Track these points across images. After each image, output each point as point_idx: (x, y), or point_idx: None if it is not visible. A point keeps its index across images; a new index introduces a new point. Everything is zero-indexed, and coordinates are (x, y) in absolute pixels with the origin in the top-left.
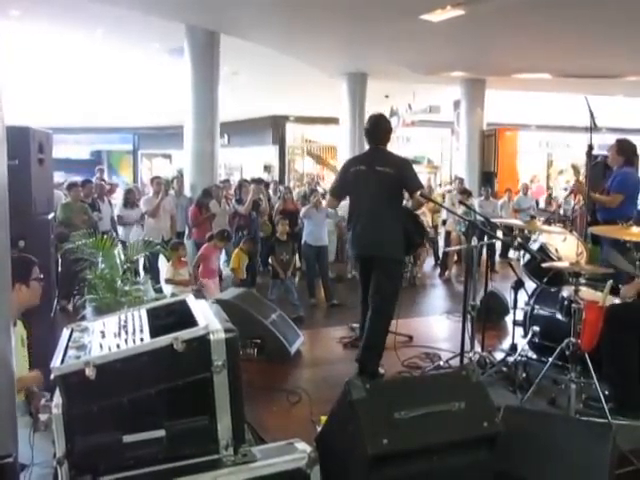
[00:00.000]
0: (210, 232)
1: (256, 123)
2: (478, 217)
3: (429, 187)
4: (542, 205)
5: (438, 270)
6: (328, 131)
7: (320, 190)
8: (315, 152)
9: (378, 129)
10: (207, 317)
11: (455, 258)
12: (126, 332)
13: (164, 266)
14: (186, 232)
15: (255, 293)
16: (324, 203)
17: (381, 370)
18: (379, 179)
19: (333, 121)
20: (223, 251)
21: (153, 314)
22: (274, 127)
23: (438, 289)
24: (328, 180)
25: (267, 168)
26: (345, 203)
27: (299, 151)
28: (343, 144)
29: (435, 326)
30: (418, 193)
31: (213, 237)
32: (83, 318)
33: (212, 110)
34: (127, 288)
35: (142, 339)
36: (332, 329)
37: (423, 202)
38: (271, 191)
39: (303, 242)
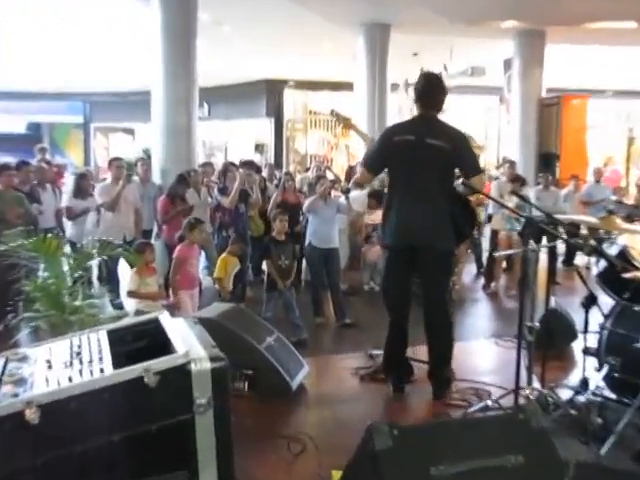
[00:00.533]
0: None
1: (245, 89)
2: (535, 211)
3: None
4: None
5: (482, 281)
6: (339, 100)
7: (329, 176)
8: (322, 127)
9: (434, 90)
10: (187, 341)
11: (504, 265)
12: (80, 361)
13: (126, 275)
14: (154, 230)
15: (246, 310)
16: (334, 193)
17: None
18: (430, 154)
19: (345, 86)
20: (203, 254)
21: (116, 338)
22: (269, 94)
23: (482, 305)
24: (338, 163)
25: (259, 148)
26: (359, 195)
27: (301, 126)
28: (359, 116)
29: (480, 354)
30: (475, 179)
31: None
32: (17, 344)
33: (188, 71)
34: (77, 303)
35: (102, 370)
36: (345, 357)
37: (479, 189)
38: (265, 177)
39: (307, 244)
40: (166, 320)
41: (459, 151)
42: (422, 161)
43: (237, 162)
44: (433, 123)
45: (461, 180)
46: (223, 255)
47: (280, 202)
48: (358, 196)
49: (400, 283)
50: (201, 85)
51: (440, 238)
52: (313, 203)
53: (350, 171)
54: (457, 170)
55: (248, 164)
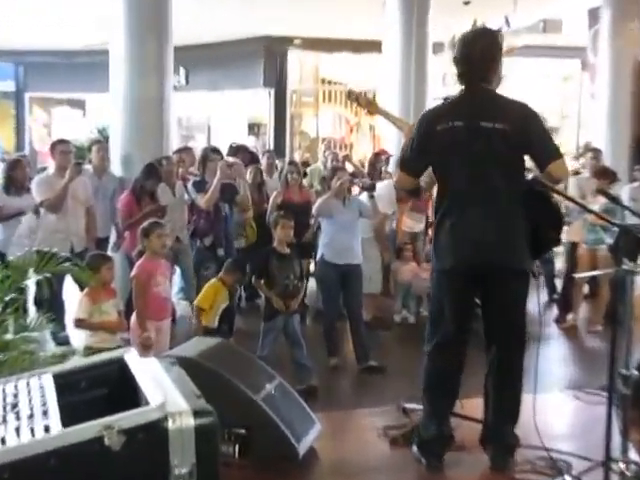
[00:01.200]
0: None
1: (236, 50)
2: (630, 217)
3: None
4: None
5: (555, 311)
6: (361, 64)
7: (349, 168)
8: (338, 101)
9: (482, 55)
10: (163, 389)
11: (585, 291)
12: (17, 416)
13: (74, 298)
14: (112, 238)
15: (236, 347)
16: (355, 190)
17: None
18: (489, 143)
19: (371, 47)
20: (177, 270)
21: (65, 384)
22: (267, 57)
23: (556, 345)
24: (360, 150)
25: (254, 128)
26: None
27: (310, 99)
28: (389, 86)
29: (555, 411)
30: (554, 166)
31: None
32: None
33: (159, 25)
34: (8, 337)
35: (47, 428)
36: (369, 412)
37: (561, 179)
38: (263, 168)
39: (319, 258)
40: (134, 361)
41: (528, 133)
42: (479, 153)
43: (225, 148)
44: (488, 99)
45: (531, 176)
46: (213, 281)
47: (282, 202)
48: (383, 193)
49: (459, 320)
50: (177, 44)
51: (515, 254)
52: (326, 204)
53: (375, 160)
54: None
55: (239, 151)
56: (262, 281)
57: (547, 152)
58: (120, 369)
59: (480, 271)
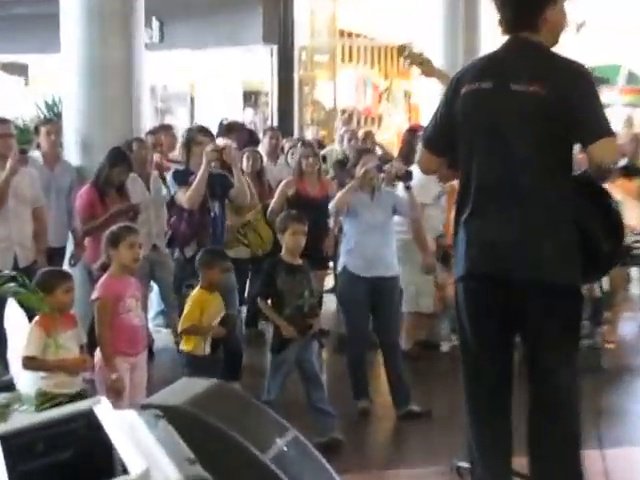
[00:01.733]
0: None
1: None
2: None
3: (634, 150)
4: None
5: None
6: (392, 11)
7: (377, 151)
8: (363, 59)
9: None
10: (146, 452)
11: None
12: None
13: (21, 329)
14: (69, 247)
15: (237, 390)
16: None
17: None
18: (519, 111)
19: None
20: (153, 286)
21: (16, 447)
22: (268, 4)
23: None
24: (392, 123)
25: (251, 98)
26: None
27: (325, 58)
28: (430, 40)
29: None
30: (597, 146)
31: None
32: None
33: None
34: None
35: None
36: (411, 473)
37: (604, 165)
38: (265, 150)
39: (340, 269)
40: (106, 414)
41: (569, 99)
42: (505, 127)
43: (214, 125)
44: (526, 53)
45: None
46: (195, 291)
47: (295, 196)
48: (421, 179)
49: (484, 345)
50: None
51: (556, 264)
52: (347, 198)
53: (412, 138)
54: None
55: (233, 129)
56: (268, 302)
57: (591, 126)
58: (89, 426)
59: (504, 283)
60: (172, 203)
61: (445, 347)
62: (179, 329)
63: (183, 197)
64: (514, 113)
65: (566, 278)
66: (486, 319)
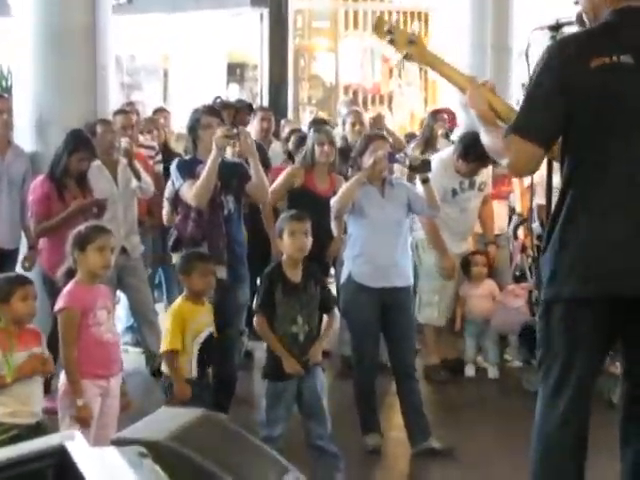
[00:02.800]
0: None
1: None
2: None
3: None
4: None
5: None
6: None
7: (388, 137)
8: (368, 27)
9: None
10: None
11: None
12: None
13: None
14: (22, 249)
15: (227, 422)
16: (397, 169)
17: None
18: None
19: None
20: (120, 296)
21: None
22: None
23: None
24: (406, 104)
25: (236, 72)
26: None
27: (326, 24)
28: (451, 9)
29: None
30: None
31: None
32: None
33: None
34: None
35: None
36: None
37: None
38: (254, 134)
39: (344, 279)
40: (81, 452)
41: None
42: None
43: (188, 102)
44: None
45: None
46: (176, 303)
47: (298, 189)
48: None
49: (591, 378)
50: None
51: None
52: (352, 193)
53: (433, 121)
54: None
55: (224, 109)
56: (264, 321)
57: None
58: (60, 466)
59: (620, 302)
60: (177, 199)
61: (469, 371)
62: (162, 348)
63: (189, 192)
64: None
65: None
66: (599, 342)
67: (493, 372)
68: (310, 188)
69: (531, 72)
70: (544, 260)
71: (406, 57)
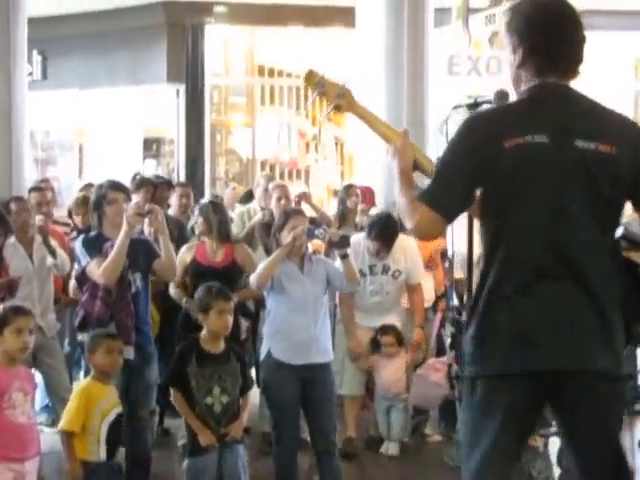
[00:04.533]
0: None
1: (124, 22)
2: None
3: None
4: None
5: None
6: (323, 44)
7: (308, 211)
8: (286, 101)
9: (576, 31)
10: None
11: None
12: None
13: None
14: None
15: None
16: (317, 244)
17: None
18: (586, 174)
19: (337, 17)
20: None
21: None
22: (173, 35)
23: None
24: (322, 179)
25: (152, 147)
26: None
27: (243, 100)
28: (368, 78)
29: None
30: None
31: None
32: None
33: None
34: None
35: None
36: None
37: None
38: (173, 209)
39: (264, 356)
40: None
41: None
42: (569, 191)
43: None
44: (583, 105)
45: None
46: (83, 382)
47: (191, 264)
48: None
49: (514, 454)
50: (31, 15)
51: (617, 355)
52: (272, 269)
53: (348, 196)
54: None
55: (143, 186)
56: (180, 394)
57: None
58: None
59: (545, 379)
60: (83, 277)
61: (383, 448)
62: (59, 427)
63: (97, 270)
64: (581, 178)
65: (618, 365)
66: (523, 422)
67: (394, 448)
68: (202, 262)
69: (445, 144)
70: (467, 335)
71: (336, 108)
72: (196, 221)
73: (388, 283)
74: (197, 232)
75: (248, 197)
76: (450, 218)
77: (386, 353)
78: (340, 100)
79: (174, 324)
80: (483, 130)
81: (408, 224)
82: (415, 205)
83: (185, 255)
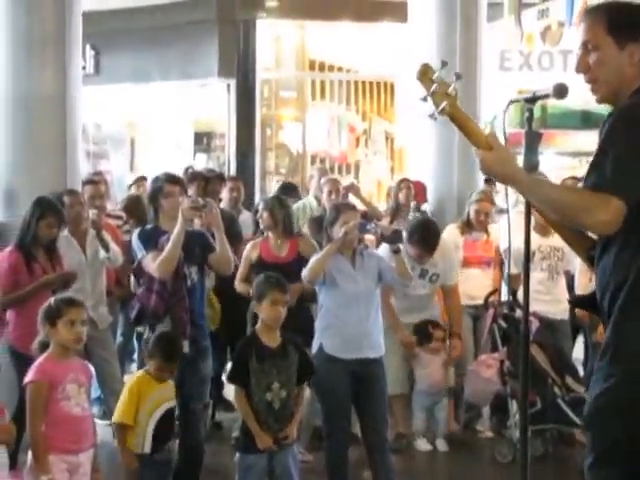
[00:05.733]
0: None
1: (174, 18)
2: None
3: None
4: None
5: None
6: (373, 40)
7: (358, 205)
8: (337, 96)
9: None
10: None
11: None
12: None
13: None
14: None
15: None
16: (369, 239)
17: None
18: None
19: (387, 12)
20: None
21: None
22: (224, 30)
23: None
24: (372, 173)
25: (203, 141)
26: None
27: (293, 94)
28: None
29: None
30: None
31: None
32: None
33: None
34: None
35: None
36: None
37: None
38: (224, 203)
39: (315, 350)
40: None
41: None
42: None
43: (153, 172)
44: None
45: None
46: (137, 374)
47: (257, 262)
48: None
49: None
50: (86, 9)
51: None
52: (324, 264)
53: (400, 191)
54: None
55: (195, 179)
56: (243, 393)
57: None
58: None
59: None
60: (139, 270)
61: (421, 444)
62: (114, 419)
63: (152, 264)
64: None
65: None
66: None
67: (442, 444)
68: (266, 258)
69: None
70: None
71: (442, 110)
72: (261, 215)
73: (425, 287)
74: (262, 226)
75: (287, 190)
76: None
77: (434, 347)
78: (447, 100)
79: (234, 317)
80: None
81: (591, 219)
82: (603, 198)
83: (250, 252)
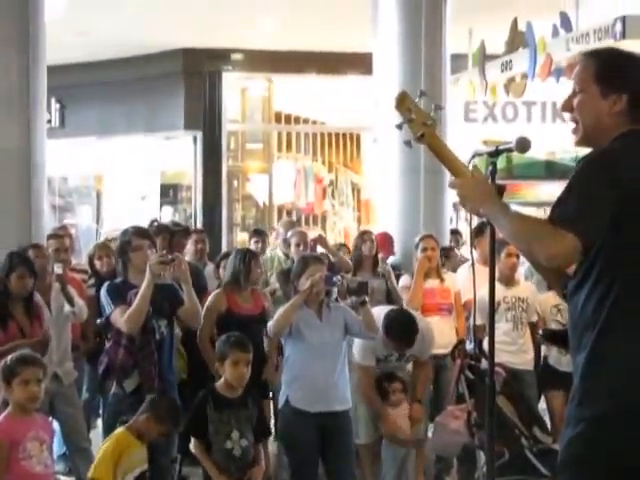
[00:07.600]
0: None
1: (141, 71)
2: None
3: None
4: None
5: None
6: (339, 91)
7: (322, 253)
8: (304, 148)
9: None
10: None
11: None
12: None
13: None
14: None
15: None
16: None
17: None
18: None
19: (354, 63)
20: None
21: None
22: (191, 82)
23: None
24: (339, 224)
25: (169, 193)
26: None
27: (259, 146)
28: (386, 125)
29: None
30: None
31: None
32: None
33: (21, 31)
34: None
35: None
36: None
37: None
38: (189, 255)
39: (282, 404)
40: None
41: None
42: None
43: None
44: None
45: None
46: (119, 430)
47: (224, 314)
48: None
49: None
50: (51, 62)
51: None
52: (289, 317)
53: (361, 242)
54: None
55: (160, 233)
56: (201, 443)
57: None
58: None
59: None
60: (107, 325)
61: None
62: (89, 475)
63: (121, 318)
64: None
65: None
66: None
67: None
68: (235, 310)
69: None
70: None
71: (419, 138)
72: (228, 268)
73: (402, 368)
74: (226, 279)
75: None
76: (590, 244)
77: (394, 400)
78: (425, 129)
79: (200, 368)
80: (618, 161)
81: (542, 249)
82: (558, 232)
83: (217, 307)
